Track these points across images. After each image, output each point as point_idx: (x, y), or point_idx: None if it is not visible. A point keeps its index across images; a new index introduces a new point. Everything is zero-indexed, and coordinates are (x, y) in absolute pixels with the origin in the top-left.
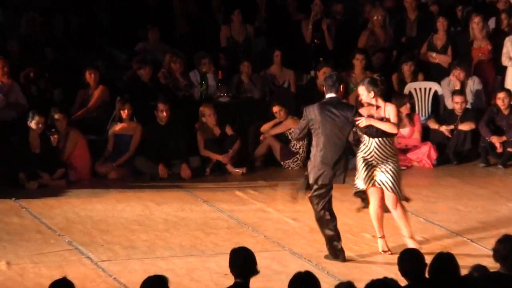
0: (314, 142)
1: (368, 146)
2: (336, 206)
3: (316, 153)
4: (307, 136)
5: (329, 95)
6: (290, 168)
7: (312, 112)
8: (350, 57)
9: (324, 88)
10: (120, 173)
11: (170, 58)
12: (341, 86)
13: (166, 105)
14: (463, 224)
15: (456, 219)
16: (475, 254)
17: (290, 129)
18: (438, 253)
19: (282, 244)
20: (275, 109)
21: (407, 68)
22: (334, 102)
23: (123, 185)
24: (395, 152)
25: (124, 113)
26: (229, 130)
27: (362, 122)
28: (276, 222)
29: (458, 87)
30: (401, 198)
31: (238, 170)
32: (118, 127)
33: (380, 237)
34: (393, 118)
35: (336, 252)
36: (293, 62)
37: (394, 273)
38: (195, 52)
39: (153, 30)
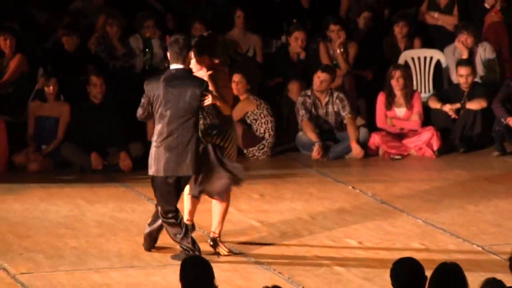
0: (157, 126)
1: None
2: (312, 205)
3: (158, 138)
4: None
5: (174, 66)
6: (255, 157)
7: (154, 88)
8: (324, 30)
9: (169, 57)
10: (43, 164)
11: (105, 20)
12: (189, 54)
13: (101, 78)
14: (472, 228)
15: (464, 221)
16: (487, 265)
17: (247, 112)
18: (440, 264)
19: (245, 253)
20: (236, 78)
21: (398, 30)
22: (180, 75)
23: (47, 179)
24: None
25: (49, 90)
26: None
27: (209, 99)
28: (237, 224)
29: (465, 55)
30: None
31: None
32: (41, 107)
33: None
34: None
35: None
36: (260, 25)
37: None
38: (136, 12)
39: None
